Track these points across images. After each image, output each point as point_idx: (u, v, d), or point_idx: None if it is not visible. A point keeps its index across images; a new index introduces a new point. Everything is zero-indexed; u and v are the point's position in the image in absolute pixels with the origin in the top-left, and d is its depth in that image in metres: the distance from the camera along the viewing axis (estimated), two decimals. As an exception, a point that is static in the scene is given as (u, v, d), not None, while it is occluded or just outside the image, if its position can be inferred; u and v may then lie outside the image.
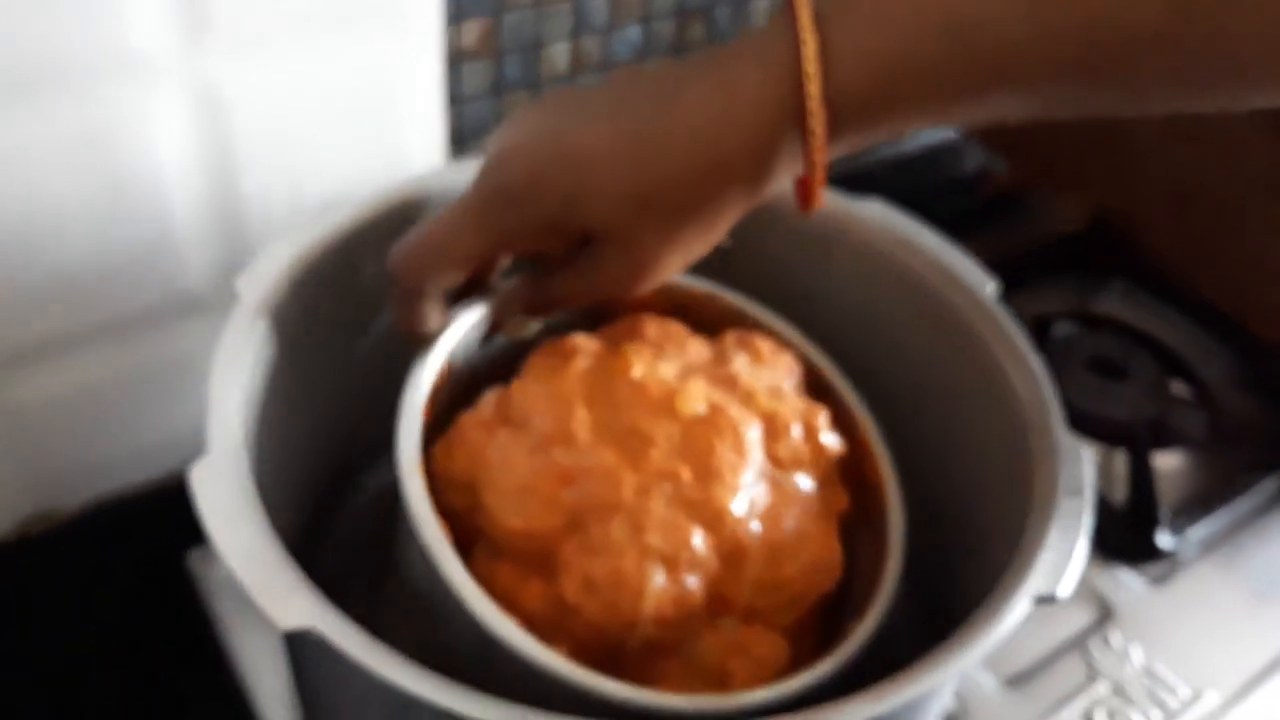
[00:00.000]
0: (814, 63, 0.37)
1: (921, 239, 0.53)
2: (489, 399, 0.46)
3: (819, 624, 0.47)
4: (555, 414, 0.44)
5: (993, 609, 0.37)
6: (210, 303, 0.59)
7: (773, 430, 0.45)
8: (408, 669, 0.34)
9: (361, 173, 0.58)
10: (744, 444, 0.44)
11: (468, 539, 0.43)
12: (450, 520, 0.42)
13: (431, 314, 0.45)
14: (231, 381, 0.42)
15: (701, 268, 0.56)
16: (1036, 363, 0.47)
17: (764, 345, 0.50)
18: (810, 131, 0.38)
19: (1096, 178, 0.94)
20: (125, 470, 0.63)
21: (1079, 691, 0.61)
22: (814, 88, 0.37)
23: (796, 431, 0.46)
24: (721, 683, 0.42)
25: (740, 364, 0.48)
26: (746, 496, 0.43)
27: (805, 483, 0.46)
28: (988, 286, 0.51)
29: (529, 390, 0.45)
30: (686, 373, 0.46)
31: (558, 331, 0.48)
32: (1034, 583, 0.38)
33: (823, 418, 0.47)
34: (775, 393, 0.47)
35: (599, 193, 0.41)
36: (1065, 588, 0.38)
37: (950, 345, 0.50)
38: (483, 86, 0.70)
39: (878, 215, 0.55)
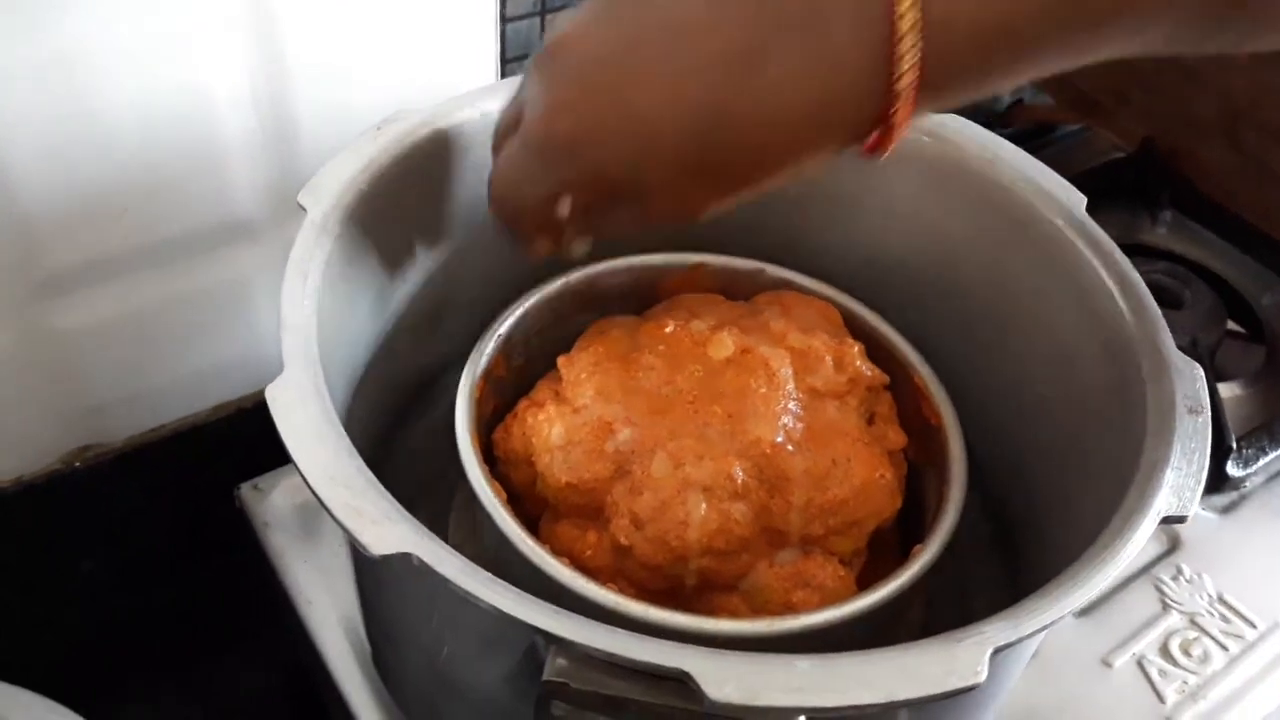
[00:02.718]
0: (909, 57, 0.32)
1: (1005, 153, 0.51)
2: (541, 383, 0.49)
3: (889, 563, 0.46)
4: (594, 376, 0.46)
5: (1120, 529, 0.35)
6: (261, 227, 0.57)
7: (805, 364, 0.46)
8: (511, 593, 0.32)
9: (413, 91, 0.56)
10: (775, 377, 0.45)
11: (536, 512, 0.46)
12: (517, 496, 0.46)
13: (536, 241, 0.42)
14: (302, 297, 0.40)
15: (770, 197, 0.55)
16: (1140, 282, 0.45)
17: (796, 298, 0.51)
18: (893, 122, 0.34)
19: (1143, 104, 0.92)
20: (173, 402, 0.61)
21: (1153, 622, 0.59)
22: (905, 81, 0.33)
23: (829, 363, 0.46)
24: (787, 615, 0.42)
25: (771, 314, 0.49)
26: (782, 425, 0.43)
27: (844, 411, 0.46)
28: (1079, 203, 0.49)
29: (572, 362, 0.47)
30: (718, 327, 0.47)
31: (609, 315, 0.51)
32: (1161, 502, 0.36)
33: (856, 350, 0.48)
34: (807, 332, 0.48)
35: (661, 163, 0.37)
36: (1192, 507, 0.36)
37: (1045, 265, 0.48)
38: (528, 5, 0.67)
39: (955, 128, 0.52)
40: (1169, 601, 0.60)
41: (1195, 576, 0.62)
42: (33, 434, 0.57)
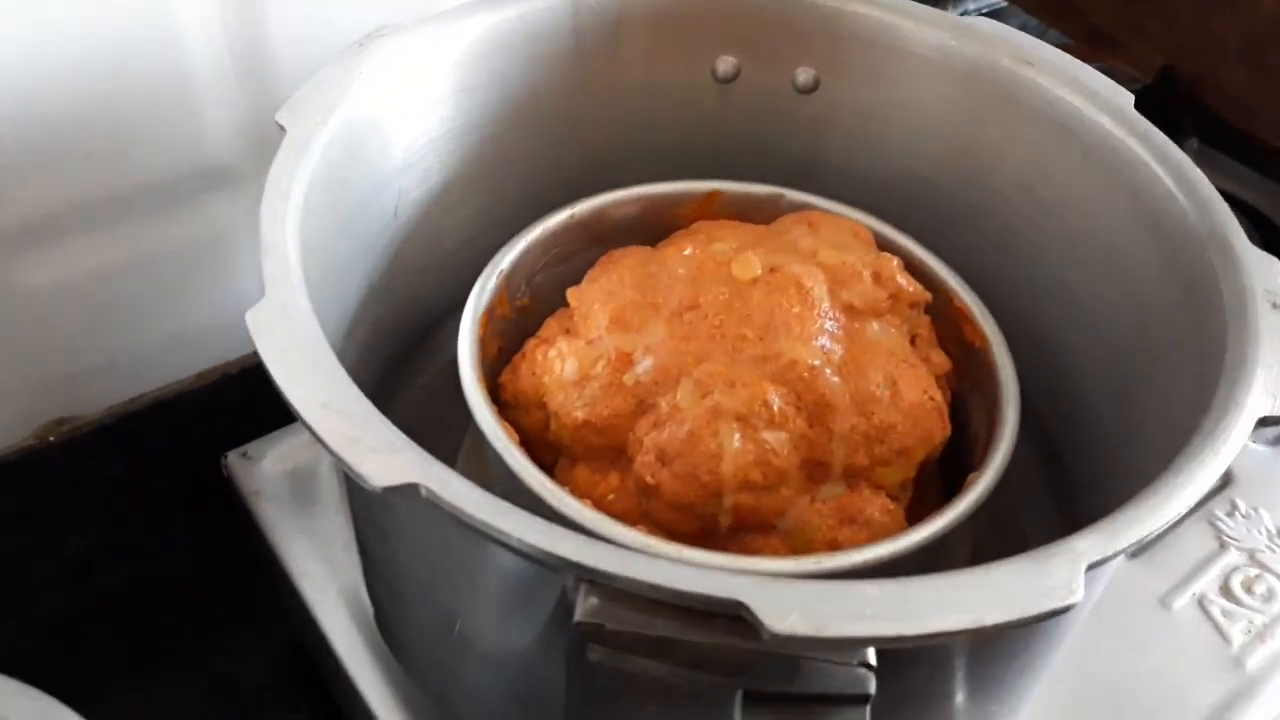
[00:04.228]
0: None
1: (1042, 53, 0.47)
2: (550, 320, 0.45)
3: (937, 498, 0.42)
4: (608, 305, 0.42)
5: (1213, 431, 0.32)
6: (240, 173, 0.53)
7: (840, 279, 0.42)
8: (535, 522, 0.28)
9: (397, 6, 0.51)
10: (809, 295, 0.41)
11: (549, 460, 0.42)
12: (528, 444, 0.41)
13: None
14: (284, 218, 0.35)
15: (787, 117, 0.51)
16: (1202, 176, 0.41)
17: (823, 217, 0.47)
18: None
19: (1160, 33, 0.88)
20: (154, 369, 0.56)
21: (1211, 560, 0.55)
22: None
23: (867, 279, 0.42)
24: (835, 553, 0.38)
25: (798, 233, 0.45)
26: (819, 346, 0.40)
27: (886, 330, 0.42)
28: (1126, 100, 0.45)
29: (583, 293, 0.43)
30: (741, 248, 0.43)
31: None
32: (1255, 402, 0.32)
33: (895, 264, 0.44)
34: (840, 247, 0.44)
35: None
36: (1291, 407, 0.32)
37: (1091, 169, 0.44)
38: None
39: (984, 31, 0.48)
40: (1226, 538, 0.57)
41: (1251, 511, 0.58)
42: (1, 406, 0.53)
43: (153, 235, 0.53)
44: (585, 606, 0.27)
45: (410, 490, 0.28)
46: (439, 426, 0.45)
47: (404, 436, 0.30)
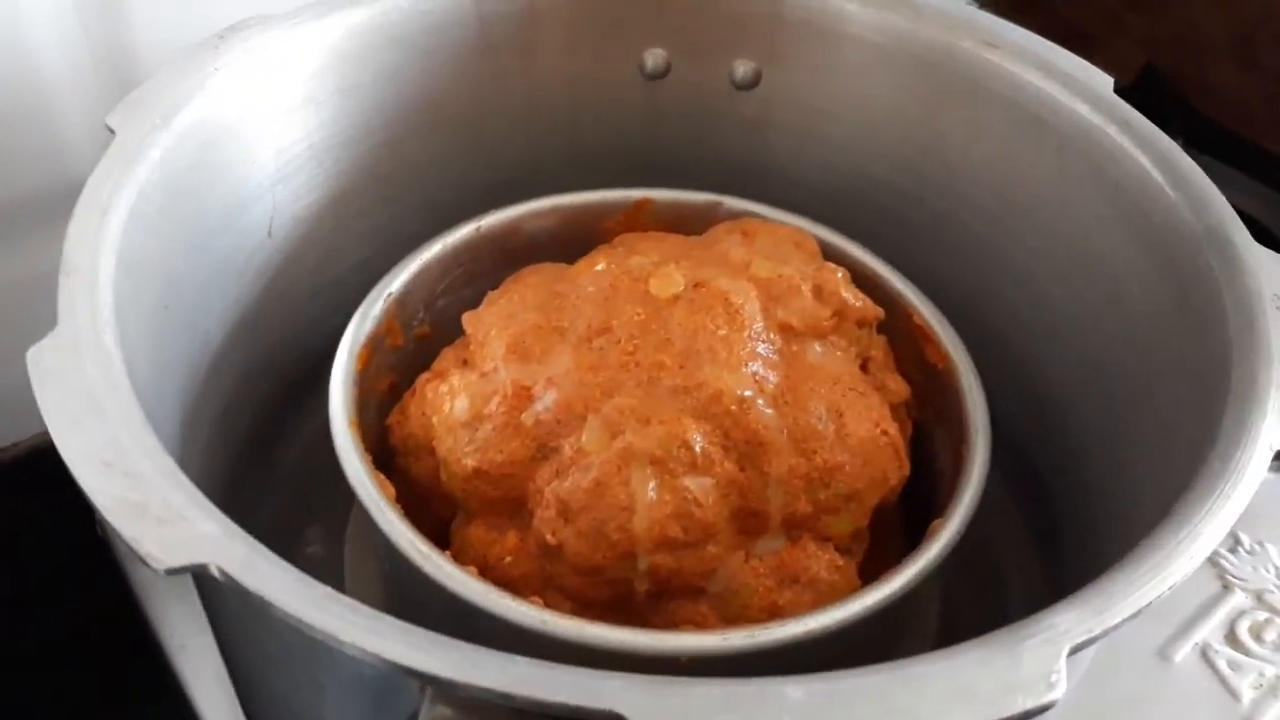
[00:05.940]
0: None
1: (1008, 35, 0.42)
2: (446, 350, 0.39)
3: (897, 550, 0.37)
4: (506, 330, 0.36)
5: (1221, 471, 0.26)
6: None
7: (775, 295, 0.37)
8: (358, 615, 0.22)
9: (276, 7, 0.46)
10: (739, 315, 0.35)
11: (448, 514, 0.37)
12: (423, 497, 0.36)
13: None
14: (96, 235, 0.30)
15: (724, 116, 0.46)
16: (1195, 167, 0.36)
17: (760, 225, 0.41)
18: None
19: (1140, 29, 0.83)
20: (25, 414, 0.50)
21: (1214, 604, 0.49)
22: None
23: (806, 294, 0.37)
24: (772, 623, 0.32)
25: (730, 243, 0.40)
26: (750, 374, 0.34)
27: (831, 352, 0.37)
28: (1105, 83, 0.40)
29: (480, 318, 0.38)
30: (662, 262, 0.38)
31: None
32: (1270, 430, 0.27)
33: (840, 276, 0.38)
34: (776, 258, 0.38)
35: None
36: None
37: (1067, 162, 0.39)
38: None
39: (940, 11, 0.43)
40: (1230, 578, 0.51)
41: (1256, 547, 0.52)
42: None
43: (14, 265, 0.47)
44: (430, 717, 0.21)
45: (201, 573, 0.22)
46: (332, 480, 0.39)
47: (207, 504, 0.24)
